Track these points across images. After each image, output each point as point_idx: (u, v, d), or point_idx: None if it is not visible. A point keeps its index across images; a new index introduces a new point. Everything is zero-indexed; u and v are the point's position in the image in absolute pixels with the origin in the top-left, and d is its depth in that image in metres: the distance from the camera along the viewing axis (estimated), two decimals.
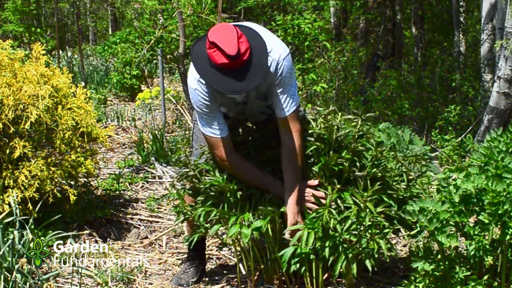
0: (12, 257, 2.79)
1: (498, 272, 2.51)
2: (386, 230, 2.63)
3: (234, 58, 2.41)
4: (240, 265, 2.98)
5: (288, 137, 2.69)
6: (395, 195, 2.75)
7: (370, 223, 2.58)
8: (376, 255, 2.59)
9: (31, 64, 3.73)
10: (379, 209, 2.62)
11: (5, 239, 2.85)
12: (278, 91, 2.65)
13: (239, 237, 2.77)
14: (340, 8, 11.83)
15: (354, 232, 2.59)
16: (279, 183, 2.73)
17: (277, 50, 2.62)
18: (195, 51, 2.54)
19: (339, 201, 2.64)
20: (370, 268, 2.58)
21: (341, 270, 2.60)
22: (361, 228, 2.59)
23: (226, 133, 2.71)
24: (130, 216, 4.18)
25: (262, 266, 2.89)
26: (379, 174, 2.72)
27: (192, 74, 2.64)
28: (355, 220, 2.59)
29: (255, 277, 2.92)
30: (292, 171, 2.69)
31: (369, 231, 2.59)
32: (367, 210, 2.59)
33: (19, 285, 2.73)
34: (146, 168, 5.31)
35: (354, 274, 2.62)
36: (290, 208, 2.68)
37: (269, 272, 2.90)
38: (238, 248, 2.94)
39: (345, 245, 2.59)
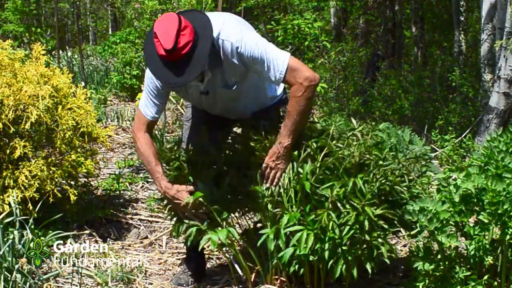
0: (12, 257, 2.79)
1: (498, 272, 2.51)
2: (386, 233, 2.59)
3: (169, 52, 2.42)
4: (239, 265, 2.98)
5: (293, 88, 2.58)
6: (397, 199, 2.71)
7: (368, 227, 2.52)
8: (376, 258, 2.57)
9: (31, 64, 3.73)
10: (378, 212, 2.55)
11: (5, 239, 2.85)
12: (257, 67, 2.59)
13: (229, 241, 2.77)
14: (340, 8, 11.83)
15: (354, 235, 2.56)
16: (164, 183, 2.80)
17: (232, 34, 2.55)
18: (150, 34, 2.53)
19: (338, 204, 2.57)
20: (370, 271, 2.56)
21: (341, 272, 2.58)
22: (359, 232, 2.54)
23: (153, 119, 2.81)
24: (130, 216, 4.18)
25: (258, 267, 2.88)
26: (387, 187, 2.65)
27: None
28: (353, 223, 2.53)
29: (253, 277, 2.91)
30: (287, 123, 2.61)
31: (369, 234, 2.55)
32: (366, 214, 2.53)
33: (19, 285, 2.73)
34: None
35: (355, 277, 2.59)
36: (270, 156, 2.67)
37: (268, 272, 2.89)
38: (238, 248, 2.94)
39: (344, 248, 2.55)
